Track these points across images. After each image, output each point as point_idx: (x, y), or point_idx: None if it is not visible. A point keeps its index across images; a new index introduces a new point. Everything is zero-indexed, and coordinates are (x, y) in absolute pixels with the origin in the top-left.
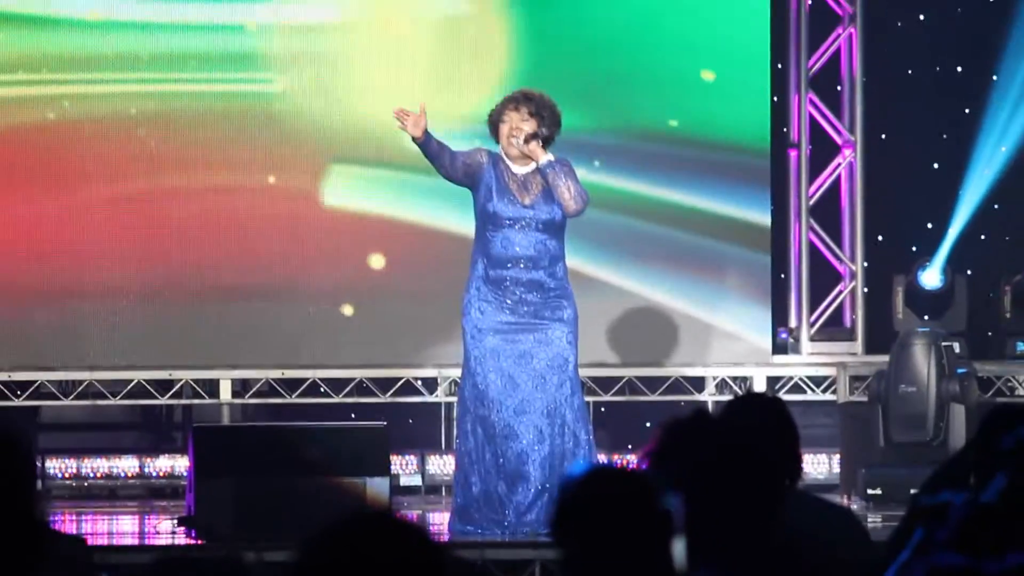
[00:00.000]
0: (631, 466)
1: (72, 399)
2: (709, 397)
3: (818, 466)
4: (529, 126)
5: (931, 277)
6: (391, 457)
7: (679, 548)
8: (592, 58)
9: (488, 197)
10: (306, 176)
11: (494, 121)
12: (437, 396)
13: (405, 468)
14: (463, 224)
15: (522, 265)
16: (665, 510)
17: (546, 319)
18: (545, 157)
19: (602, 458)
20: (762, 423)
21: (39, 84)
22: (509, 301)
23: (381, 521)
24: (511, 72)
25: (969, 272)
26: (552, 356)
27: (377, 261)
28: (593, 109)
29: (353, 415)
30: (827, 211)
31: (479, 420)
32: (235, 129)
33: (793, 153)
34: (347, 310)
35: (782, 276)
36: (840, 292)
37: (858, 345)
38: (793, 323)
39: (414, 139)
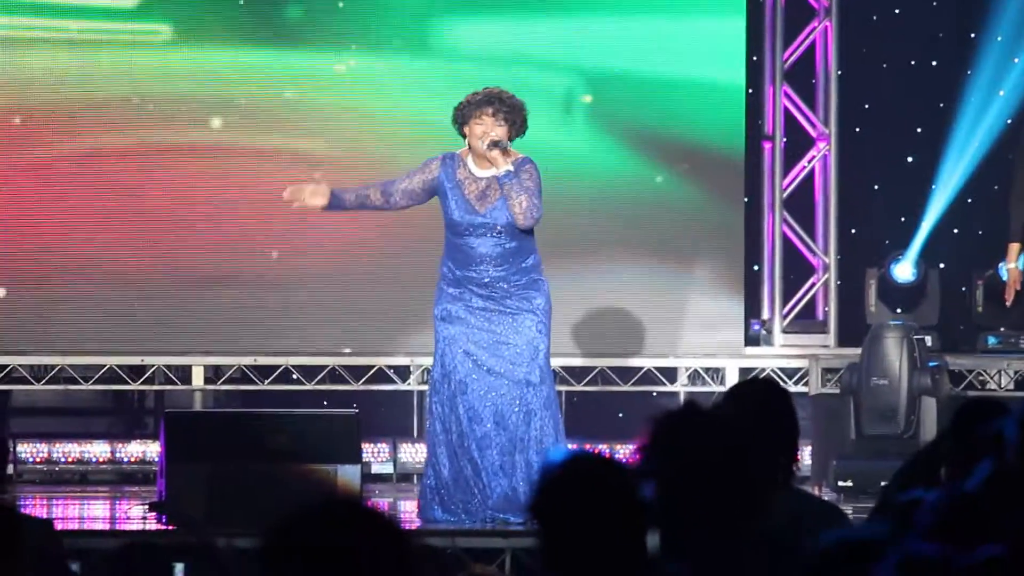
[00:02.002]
0: (608, 454)
1: (44, 384)
2: (681, 388)
3: None
4: (500, 131)
5: (904, 270)
6: (363, 445)
7: (653, 539)
8: (564, 51)
9: (447, 204)
10: (280, 163)
11: (464, 118)
12: (409, 384)
13: (377, 456)
14: (435, 215)
15: (486, 265)
16: (642, 499)
17: (517, 308)
18: (505, 167)
19: (573, 447)
20: (762, 411)
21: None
22: (481, 292)
23: (349, 508)
24: (481, 76)
25: (942, 266)
26: (523, 344)
27: (349, 248)
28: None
29: (325, 402)
30: (801, 204)
31: (447, 402)
32: (211, 115)
33: (767, 145)
34: (319, 297)
35: (755, 268)
36: (813, 285)
37: (830, 337)
38: (766, 315)
39: (322, 208)
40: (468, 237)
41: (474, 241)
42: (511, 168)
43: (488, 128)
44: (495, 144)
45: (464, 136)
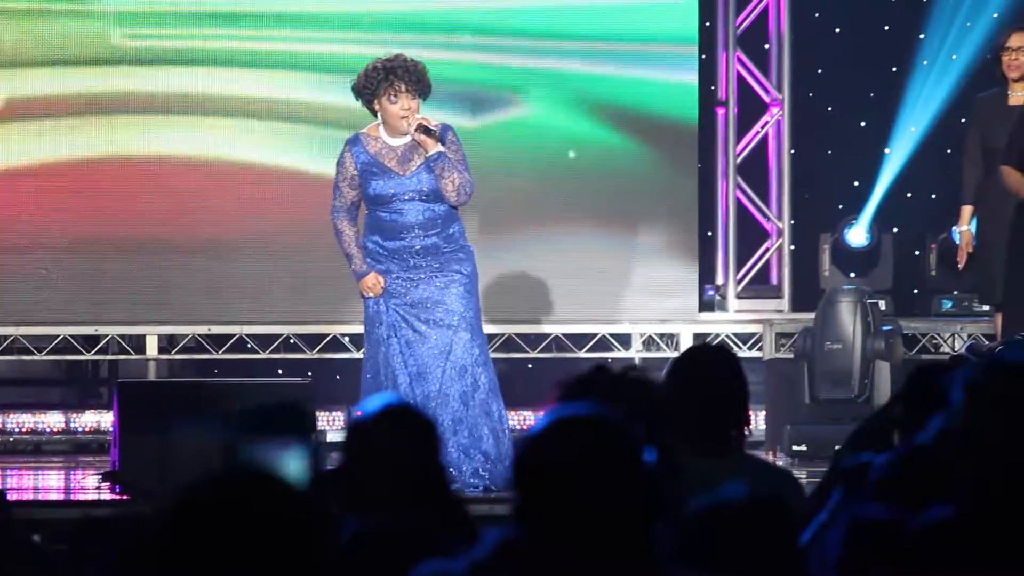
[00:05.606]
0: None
1: None
2: (636, 354)
3: None
4: (415, 105)
5: (857, 235)
6: (317, 413)
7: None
8: (514, 20)
9: (368, 181)
10: (233, 132)
11: (372, 94)
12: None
13: (331, 424)
14: None
15: (415, 232)
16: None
17: (447, 272)
18: (435, 148)
19: (528, 415)
20: (710, 376)
21: None
22: (410, 262)
23: (257, 479)
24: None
25: (895, 230)
26: (450, 303)
27: (303, 216)
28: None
29: (280, 371)
30: (754, 169)
31: (378, 346)
32: (163, 87)
33: (721, 111)
34: (273, 266)
35: (709, 234)
36: (767, 250)
37: (784, 303)
38: (720, 280)
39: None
40: (395, 203)
41: (402, 206)
42: (441, 148)
43: (404, 105)
44: (426, 130)
45: (374, 112)
